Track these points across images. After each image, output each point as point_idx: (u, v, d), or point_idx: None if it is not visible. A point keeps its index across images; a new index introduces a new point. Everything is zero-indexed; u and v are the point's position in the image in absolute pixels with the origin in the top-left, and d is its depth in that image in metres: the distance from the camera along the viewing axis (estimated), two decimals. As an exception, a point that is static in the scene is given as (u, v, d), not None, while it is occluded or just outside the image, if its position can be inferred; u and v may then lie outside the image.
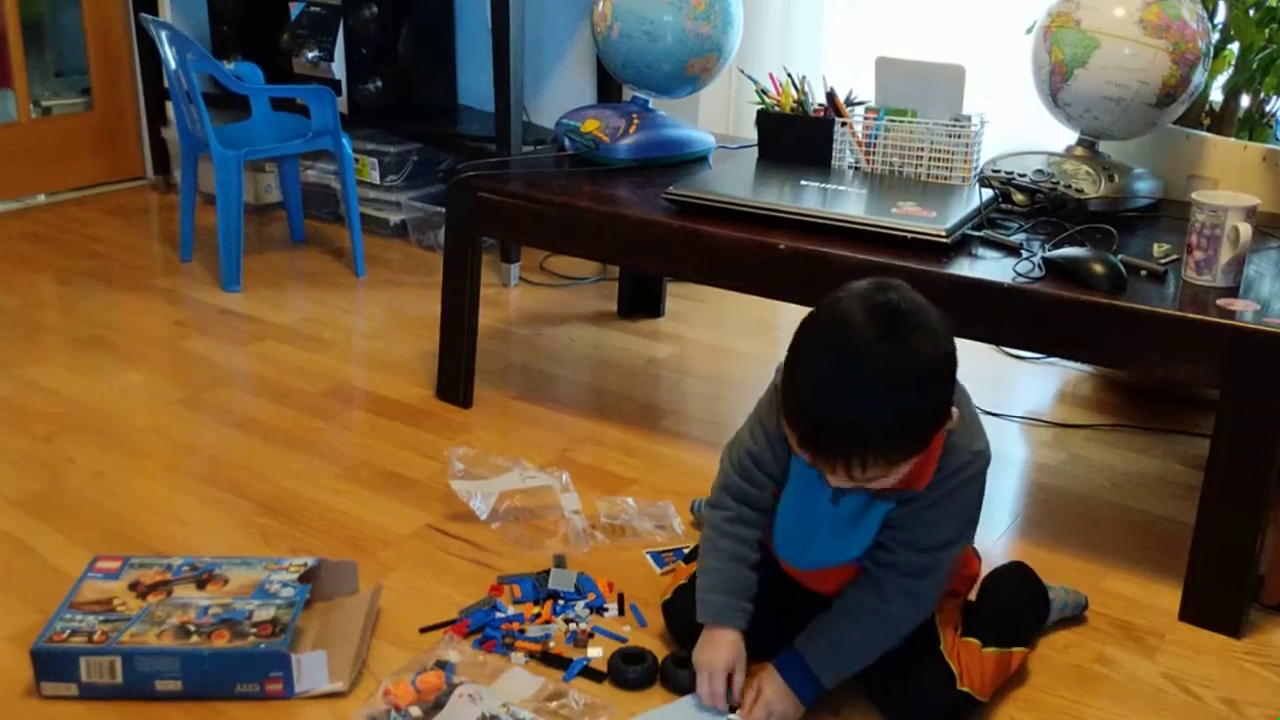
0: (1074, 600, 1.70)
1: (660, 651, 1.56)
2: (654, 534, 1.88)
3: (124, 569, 1.63)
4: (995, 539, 1.91)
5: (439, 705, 1.44)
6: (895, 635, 1.44)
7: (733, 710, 1.45)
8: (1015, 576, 1.66)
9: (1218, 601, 1.67)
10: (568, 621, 1.64)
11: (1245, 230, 1.66)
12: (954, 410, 1.34)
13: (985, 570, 1.68)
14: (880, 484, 1.33)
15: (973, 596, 1.63)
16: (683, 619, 1.55)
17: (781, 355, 1.39)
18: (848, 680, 1.49)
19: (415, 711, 1.43)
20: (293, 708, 1.47)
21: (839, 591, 1.48)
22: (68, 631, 1.49)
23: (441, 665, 1.51)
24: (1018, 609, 1.61)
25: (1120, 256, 1.75)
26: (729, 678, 1.45)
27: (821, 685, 1.44)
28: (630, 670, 1.52)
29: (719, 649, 1.46)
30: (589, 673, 1.54)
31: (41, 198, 3.72)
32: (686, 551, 1.77)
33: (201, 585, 1.60)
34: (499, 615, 1.64)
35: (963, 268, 1.78)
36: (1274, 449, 1.58)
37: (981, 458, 1.42)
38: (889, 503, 1.41)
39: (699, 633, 1.50)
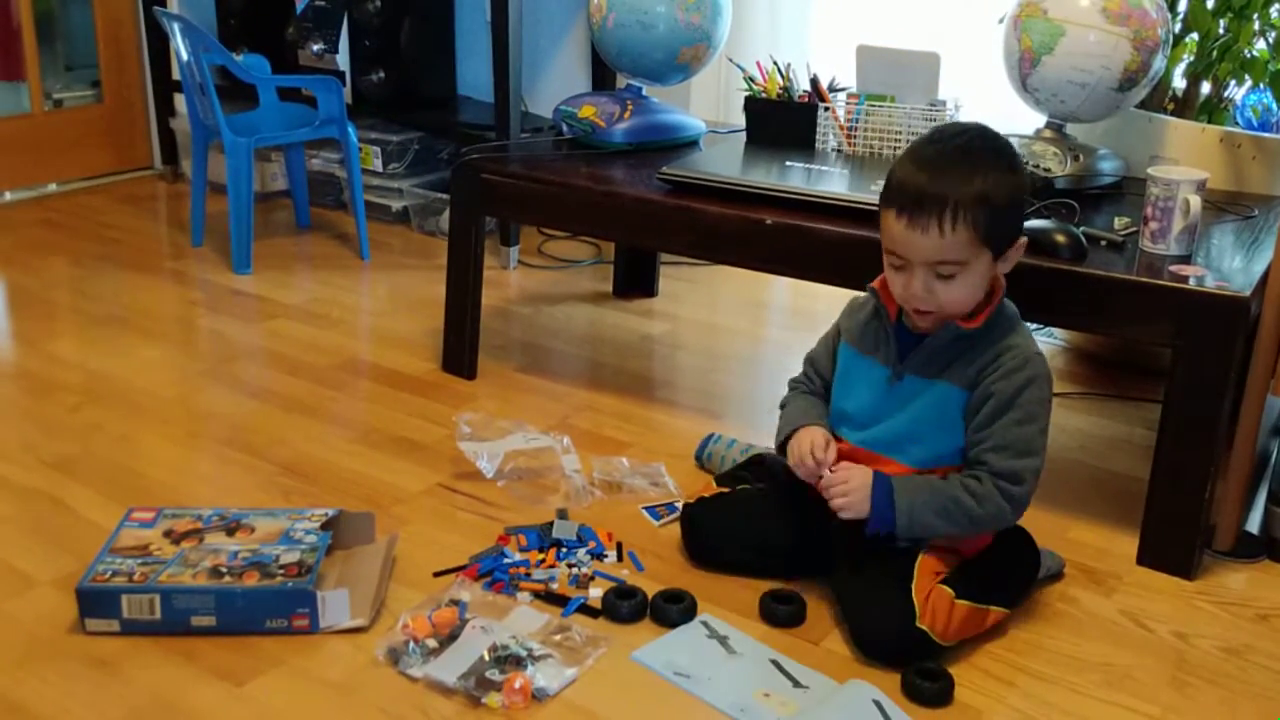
0: (1055, 564, 1.81)
1: (653, 592, 1.69)
2: (648, 490, 2.00)
3: (158, 519, 1.76)
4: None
5: (453, 637, 1.57)
6: (970, 523, 1.59)
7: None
8: (1010, 539, 1.72)
9: (1171, 546, 1.81)
10: (570, 566, 1.77)
11: (1195, 202, 1.79)
12: (1023, 239, 1.61)
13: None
14: (952, 297, 1.56)
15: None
16: (700, 525, 1.78)
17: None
18: (832, 614, 1.63)
19: (431, 643, 1.56)
20: (318, 641, 1.60)
21: None
22: (109, 573, 1.61)
23: (455, 603, 1.64)
24: (1004, 570, 1.68)
25: (1082, 228, 1.88)
26: (818, 451, 1.64)
27: (894, 518, 1.58)
28: (623, 605, 1.65)
29: (810, 434, 1.67)
30: (586, 609, 1.67)
31: (53, 186, 3.84)
32: (680, 505, 1.91)
33: (231, 533, 1.72)
34: (507, 560, 1.77)
35: (936, 239, 1.90)
36: (1222, 403, 1.71)
37: (1044, 362, 1.62)
38: (954, 385, 1.60)
39: (710, 540, 1.76)
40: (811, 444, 1.65)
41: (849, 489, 1.59)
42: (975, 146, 1.57)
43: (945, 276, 1.55)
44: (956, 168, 1.53)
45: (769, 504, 1.78)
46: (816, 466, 1.63)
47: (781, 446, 1.74)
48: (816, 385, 1.80)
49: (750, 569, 1.74)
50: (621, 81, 2.54)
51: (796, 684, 1.52)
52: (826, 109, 2.31)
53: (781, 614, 1.65)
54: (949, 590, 1.58)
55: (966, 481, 1.59)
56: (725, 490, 1.84)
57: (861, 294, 1.74)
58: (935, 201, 1.52)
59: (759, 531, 1.75)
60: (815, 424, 1.70)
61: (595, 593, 1.70)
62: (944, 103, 2.23)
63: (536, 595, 1.69)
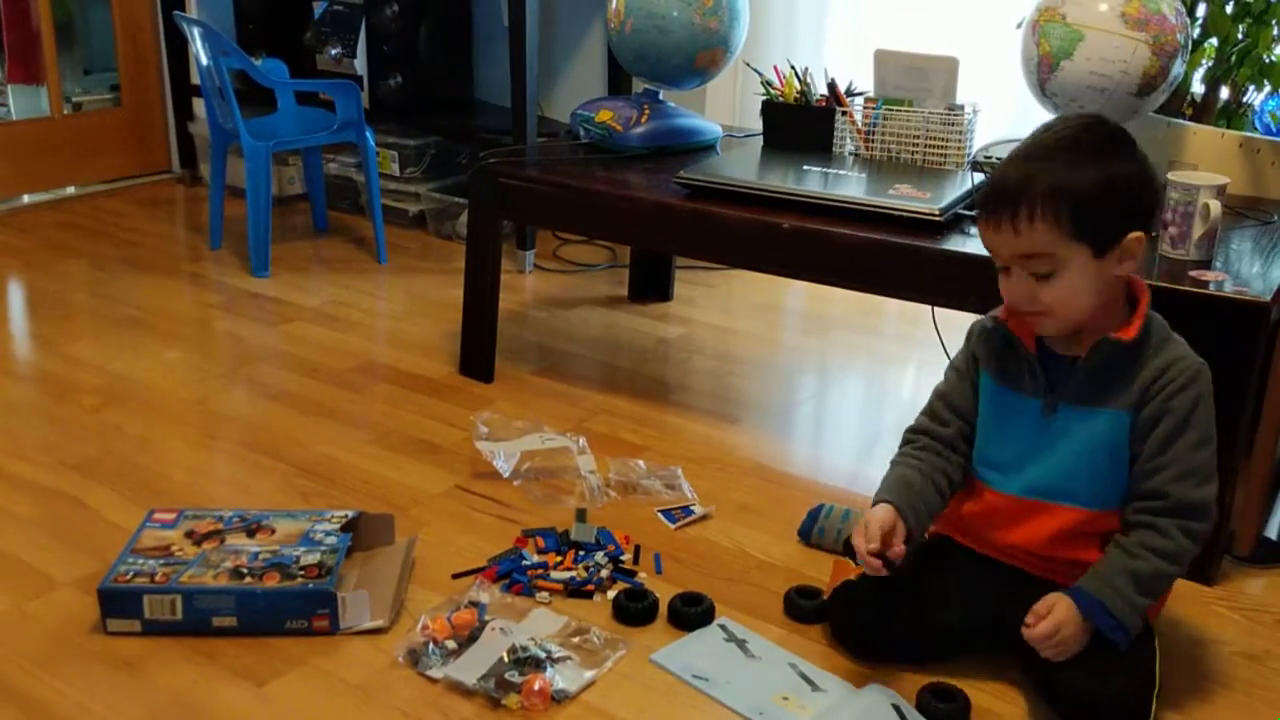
0: None
1: (669, 594, 1.69)
2: (663, 493, 2.01)
3: (179, 520, 1.77)
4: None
5: (473, 639, 1.57)
6: (1169, 584, 1.49)
7: (889, 567, 1.46)
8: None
9: (1191, 552, 1.80)
10: (587, 570, 1.77)
11: (1215, 207, 1.79)
12: (1136, 234, 1.41)
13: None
14: (1056, 298, 1.40)
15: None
16: (855, 607, 1.60)
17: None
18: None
19: (451, 644, 1.56)
20: (338, 642, 1.60)
21: (1051, 553, 1.51)
22: (131, 573, 1.63)
23: (474, 605, 1.64)
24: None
25: (1101, 233, 1.88)
26: (886, 541, 1.47)
27: (1124, 625, 1.43)
28: (633, 607, 1.66)
29: (874, 512, 1.50)
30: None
31: (72, 190, 3.86)
32: (696, 509, 1.90)
33: (251, 534, 1.73)
34: (525, 563, 1.77)
35: (955, 244, 1.91)
36: (1242, 409, 1.71)
37: (1206, 369, 1.47)
38: (1119, 410, 1.44)
39: (866, 622, 1.58)
40: (873, 525, 1.48)
41: (1062, 638, 1.42)
42: (1073, 137, 1.43)
43: (1042, 276, 1.42)
44: (1042, 160, 1.41)
45: (931, 580, 1.59)
46: (865, 547, 1.47)
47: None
48: (947, 431, 1.58)
49: (916, 654, 1.57)
50: (638, 86, 2.55)
51: (815, 687, 1.53)
52: (844, 113, 2.31)
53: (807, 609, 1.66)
54: None
55: (1154, 544, 1.44)
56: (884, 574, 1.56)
57: (981, 319, 1.59)
58: (1009, 196, 1.41)
59: (920, 610, 1.56)
60: (884, 502, 1.52)
61: (613, 594, 1.71)
62: (962, 107, 2.23)
63: (555, 594, 1.71)
